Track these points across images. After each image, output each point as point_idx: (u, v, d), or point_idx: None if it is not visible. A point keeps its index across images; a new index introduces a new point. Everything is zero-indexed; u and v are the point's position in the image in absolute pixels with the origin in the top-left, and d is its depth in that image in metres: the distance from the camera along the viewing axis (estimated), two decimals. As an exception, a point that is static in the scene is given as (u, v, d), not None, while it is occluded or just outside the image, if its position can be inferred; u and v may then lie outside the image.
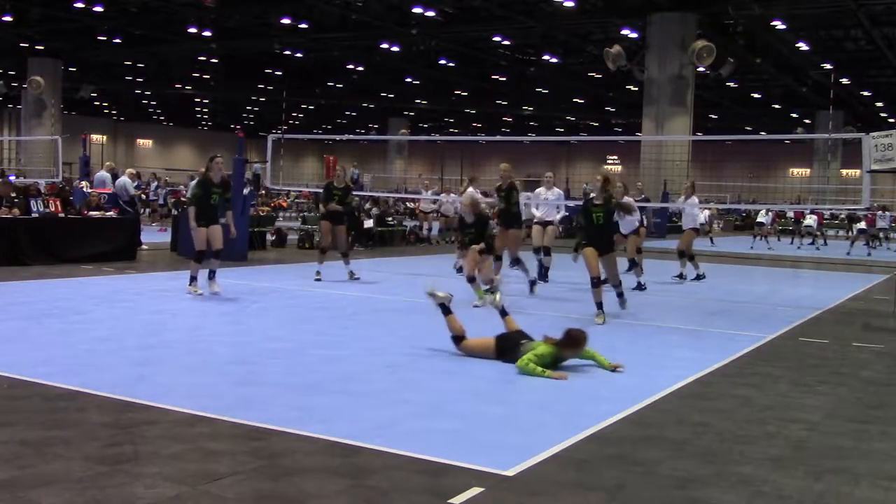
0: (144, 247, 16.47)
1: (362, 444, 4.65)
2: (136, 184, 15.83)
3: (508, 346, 6.99)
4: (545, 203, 13.39)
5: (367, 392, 5.92)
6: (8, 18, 31.37)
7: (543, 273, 13.19)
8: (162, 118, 68.47)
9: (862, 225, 26.67)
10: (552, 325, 8.06)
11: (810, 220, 28.06)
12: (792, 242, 29.19)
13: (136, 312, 9.04)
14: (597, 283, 9.62)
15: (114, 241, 14.50)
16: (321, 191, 14.49)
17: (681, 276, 14.75)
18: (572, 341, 6.84)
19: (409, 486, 4.08)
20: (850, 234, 29.93)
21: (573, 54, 36.37)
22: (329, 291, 11.59)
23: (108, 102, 59.44)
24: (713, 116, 49.08)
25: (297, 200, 38.81)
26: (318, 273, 12.73)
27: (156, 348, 7.11)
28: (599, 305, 9.62)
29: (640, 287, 12.93)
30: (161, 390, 5.67)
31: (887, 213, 27.37)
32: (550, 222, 13.33)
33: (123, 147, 67.79)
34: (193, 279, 10.68)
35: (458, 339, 7.28)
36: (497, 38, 34.46)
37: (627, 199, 11.96)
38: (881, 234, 28.27)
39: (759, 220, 28.39)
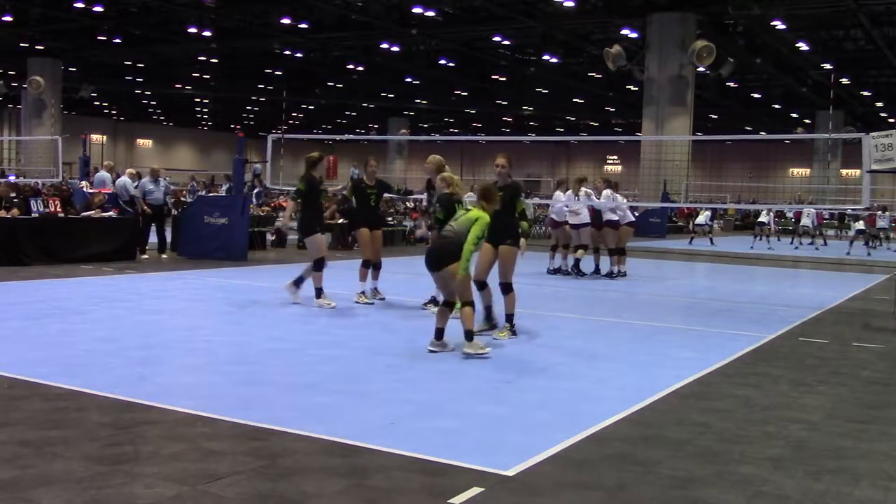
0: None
1: (362, 444, 4.65)
2: (136, 184, 15.80)
3: (446, 251, 7.54)
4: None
5: (367, 392, 5.92)
6: (8, 18, 31.39)
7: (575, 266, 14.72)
8: (162, 118, 68.48)
9: (861, 225, 26.64)
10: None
11: (807, 220, 28.04)
12: (791, 242, 29.17)
13: (136, 312, 9.03)
14: (479, 286, 8.47)
15: (114, 241, 14.51)
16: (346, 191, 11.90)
17: (618, 272, 14.71)
18: (487, 194, 7.65)
19: (409, 486, 4.08)
20: (846, 233, 29.91)
21: (573, 54, 36.36)
22: (329, 292, 11.56)
23: (108, 102, 59.44)
24: (713, 116, 49.07)
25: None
26: (363, 294, 10.59)
27: (156, 348, 7.11)
28: (487, 310, 8.64)
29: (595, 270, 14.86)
30: (161, 390, 5.67)
31: (887, 213, 27.32)
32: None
33: (123, 147, 67.83)
34: (320, 291, 10.05)
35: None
36: (497, 38, 34.47)
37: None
38: (881, 234, 28.24)
39: (759, 219, 28.38)
